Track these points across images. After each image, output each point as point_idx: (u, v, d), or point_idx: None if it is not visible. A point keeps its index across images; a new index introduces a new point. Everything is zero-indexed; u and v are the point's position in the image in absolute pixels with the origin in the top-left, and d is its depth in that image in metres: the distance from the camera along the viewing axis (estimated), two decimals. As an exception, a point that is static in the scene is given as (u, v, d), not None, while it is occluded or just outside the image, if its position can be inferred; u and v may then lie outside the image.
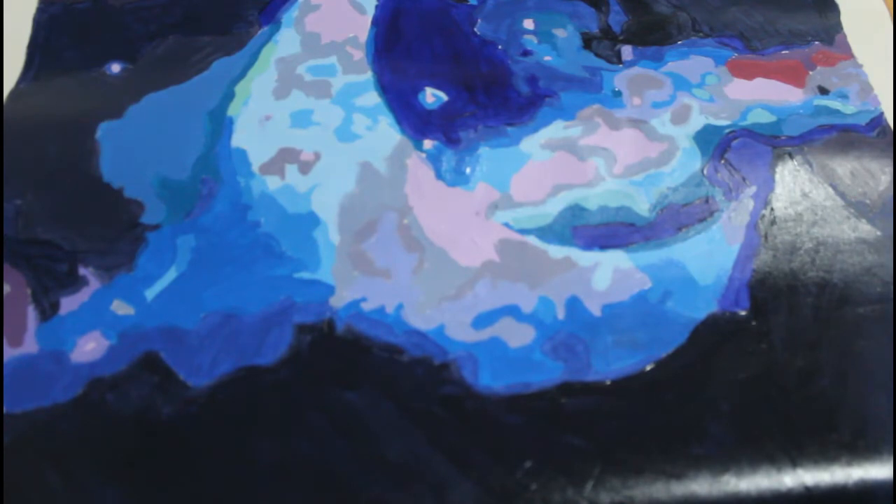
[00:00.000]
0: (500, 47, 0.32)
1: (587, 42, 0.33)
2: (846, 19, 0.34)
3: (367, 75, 0.31)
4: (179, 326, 0.25)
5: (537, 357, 0.25)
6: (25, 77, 0.30)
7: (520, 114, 0.30)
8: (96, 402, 0.23)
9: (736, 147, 0.30)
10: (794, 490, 0.23)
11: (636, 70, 0.32)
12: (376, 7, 0.33)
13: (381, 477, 0.22)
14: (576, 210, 0.28)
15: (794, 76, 0.32)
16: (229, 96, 0.30)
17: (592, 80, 0.31)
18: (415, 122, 0.30)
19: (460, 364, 0.24)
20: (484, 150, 0.29)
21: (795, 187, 0.29)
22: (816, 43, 0.33)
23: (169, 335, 0.25)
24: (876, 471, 0.23)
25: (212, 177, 0.28)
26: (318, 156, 0.29)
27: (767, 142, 0.30)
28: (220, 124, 0.29)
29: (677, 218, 0.28)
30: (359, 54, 0.32)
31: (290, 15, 0.33)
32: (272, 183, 0.28)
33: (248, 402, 0.24)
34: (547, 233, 0.27)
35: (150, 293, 0.25)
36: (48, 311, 0.25)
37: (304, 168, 0.28)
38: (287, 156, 0.29)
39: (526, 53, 0.32)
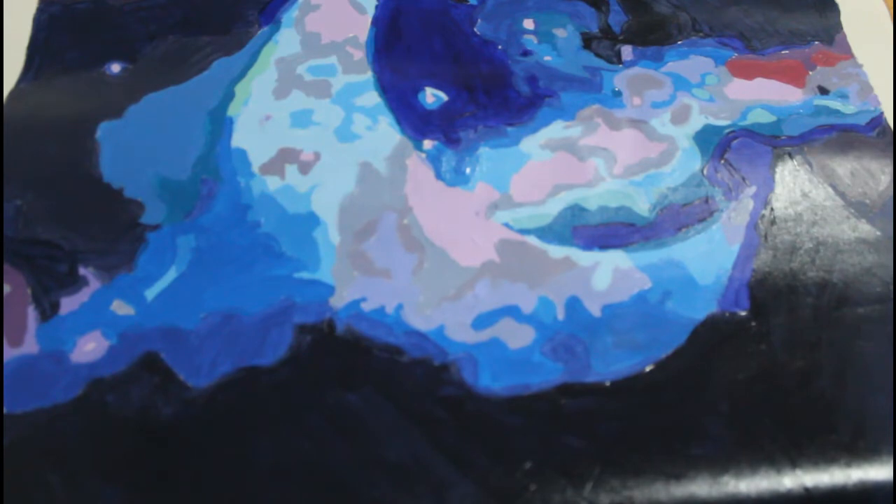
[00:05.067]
0: (500, 47, 0.32)
1: (587, 42, 0.33)
2: (846, 19, 0.34)
3: (367, 75, 0.31)
4: (179, 327, 0.25)
5: (537, 358, 0.25)
6: (25, 77, 0.30)
7: (520, 114, 0.30)
8: (96, 402, 0.23)
9: (736, 147, 0.30)
10: (794, 491, 0.23)
11: (636, 70, 0.32)
12: (376, 7, 0.33)
13: (381, 477, 0.22)
14: (576, 210, 0.28)
15: (794, 76, 0.32)
16: (229, 96, 0.30)
17: (592, 80, 0.31)
18: (415, 122, 0.30)
19: (460, 365, 0.24)
20: (484, 151, 0.29)
21: (795, 187, 0.29)
22: (816, 43, 0.33)
23: (169, 335, 0.25)
24: (875, 472, 0.23)
25: (212, 177, 0.28)
26: (318, 156, 0.29)
27: (767, 142, 0.30)
28: (220, 124, 0.29)
29: (677, 218, 0.28)
30: (359, 54, 0.32)
31: (290, 15, 0.33)
32: (272, 183, 0.28)
33: (248, 402, 0.24)
34: (547, 233, 0.27)
35: (150, 293, 0.25)
36: (48, 311, 0.25)
37: (304, 168, 0.28)
38: (287, 156, 0.29)
39: (526, 53, 0.32)
